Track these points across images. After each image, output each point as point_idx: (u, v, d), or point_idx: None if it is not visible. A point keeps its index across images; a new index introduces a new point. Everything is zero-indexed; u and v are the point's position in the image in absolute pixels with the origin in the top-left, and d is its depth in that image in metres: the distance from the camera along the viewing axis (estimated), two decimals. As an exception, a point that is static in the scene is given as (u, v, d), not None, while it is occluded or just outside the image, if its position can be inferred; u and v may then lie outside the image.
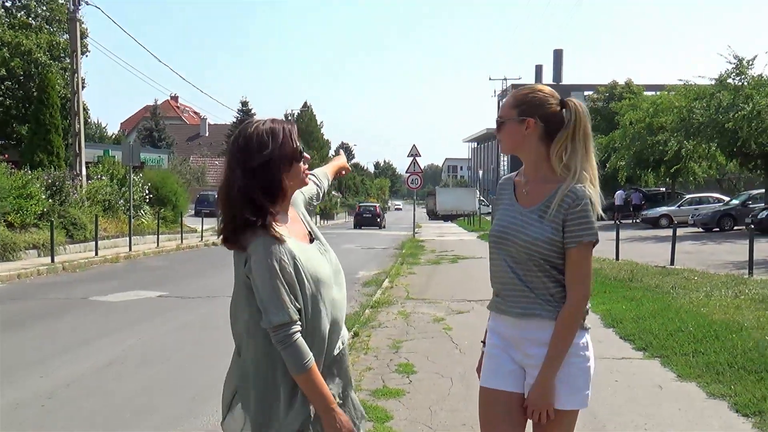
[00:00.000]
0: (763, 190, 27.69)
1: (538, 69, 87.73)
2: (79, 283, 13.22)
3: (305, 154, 2.26)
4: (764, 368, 5.51)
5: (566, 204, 2.40)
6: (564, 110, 2.48)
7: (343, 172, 2.97)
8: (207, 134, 76.70)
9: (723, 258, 15.16)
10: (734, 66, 25.49)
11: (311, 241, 2.32)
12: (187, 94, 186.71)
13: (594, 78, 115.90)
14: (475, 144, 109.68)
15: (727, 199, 31.32)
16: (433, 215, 58.28)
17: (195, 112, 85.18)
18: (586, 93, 61.51)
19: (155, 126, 64.71)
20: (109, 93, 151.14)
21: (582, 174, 2.43)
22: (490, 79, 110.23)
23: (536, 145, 2.49)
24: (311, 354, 2.12)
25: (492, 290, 2.60)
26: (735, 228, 26.03)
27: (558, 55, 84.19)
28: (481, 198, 59.28)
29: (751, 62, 25.44)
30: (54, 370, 6.51)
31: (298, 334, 2.11)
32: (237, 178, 2.16)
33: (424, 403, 5.05)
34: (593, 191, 2.43)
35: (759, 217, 23.66)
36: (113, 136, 57.35)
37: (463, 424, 4.60)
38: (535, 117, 2.47)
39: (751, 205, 26.87)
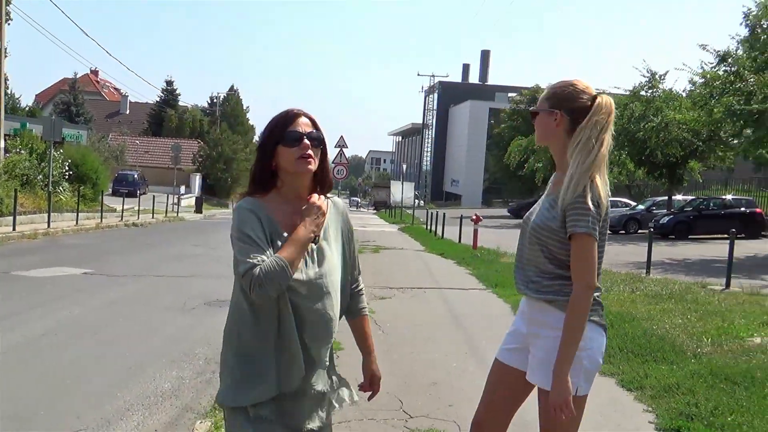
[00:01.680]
0: (666, 198, 29.51)
1: (466, 68, 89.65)
2: (-2, 258, 13.04)
3: (305, 141, 2.24)
4: (649, 352, 6.26)
5: (568, 195, 2.47)
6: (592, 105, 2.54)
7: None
8: (128, 112, 74.51)
9: (626, 258, 16.25)
10: (647, 79, 27.08)
11: (315, 240, 2.27)
12: (109, 69, 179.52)
13: (518, 80, 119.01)
14: (400, 138, 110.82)
15: (634, 204, 33.15)
16: (383, 206, 58.89)
17: (116, 89, 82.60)
18: (510, 94, 63.41)
19: (73, 100, 62.49)
20: (24, 63, 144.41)
21: (589, 166, 2.46)
22: (418, 74, 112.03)
23: (563, 137, 2.56)
24: (280, 260, 2.11)
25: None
26: (639, 231, 27.64)
27: (485, 55, 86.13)
28: (416, 193, 60.60)
29: (662, 77, 27.13)
30: (-13, 339, 6.64)
31: (261, 265, 2.09)
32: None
33: (351, 375, 5.52)
34: (599, 184, 2.46)
35: (660, 222, 25.33)
36: (27, 108, 55.12)
37: (387, 392, 5.13)
38: (562, 110, 2.54)
39: (655, 211, 28.63)
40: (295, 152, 2.24)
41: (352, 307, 2.52)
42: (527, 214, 2.70)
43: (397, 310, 8.72)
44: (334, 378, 2.43)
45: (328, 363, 2.39)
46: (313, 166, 2.27)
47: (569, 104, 2.52)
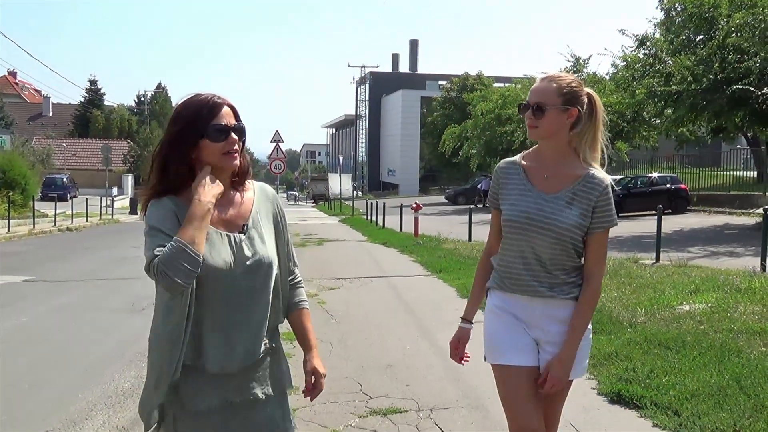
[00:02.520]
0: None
1: (395, 57, 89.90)
2: (-70, 270, 12.64)
3: (232, 135, 2.10)
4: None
5: (597, 192, 2.51)
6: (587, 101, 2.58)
7: None
8: (51, 114, 72.17)
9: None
10: (572, 64, 27.97)
11: (243, 230, 2.16)
12: (28, 69, 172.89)
13: (448, 68, 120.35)
14: (334, 130, 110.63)
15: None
16: (322, 199, 58.64)
17: (36, 90, 79.86)
18: (440, 83, 64.22)
19: (-7, 104, 60.17)
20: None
21: (603, 163, 2.60)
22: (349, 66, 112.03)
23: (567, 133, 2.56)
24: (176, 240, 1.94)
25: (499, 270, 2.66)
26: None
27: (414, 44, 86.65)
28: (354, 184, 60.81)
29: (586, 61, 28.06)
30: (-65, 352, 6.55)
31: (161, 254, 1.94)
32: (157, 148, 2.15)
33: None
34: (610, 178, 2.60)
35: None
36: (-60, 113, 52.90)
37: (346, 377, 5.37)
38: (578, 107, 2.54)
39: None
40: (221, 147, 2.09)
41: (288, 301, 2.34)
42: (524, 216, 2.55)
43: (346, 299, 8.94)
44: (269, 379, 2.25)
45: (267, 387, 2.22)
46: (239, 161, 2.14)
47: (580, 101, 2.54)
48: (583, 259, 2.59)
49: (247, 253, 2.13)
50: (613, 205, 2.54)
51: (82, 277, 11.68)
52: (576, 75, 27.28)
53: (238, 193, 2.22)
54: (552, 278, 2.54)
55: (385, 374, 5.51)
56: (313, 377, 2.29)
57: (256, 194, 2.27)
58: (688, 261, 11.56)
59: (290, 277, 2.35)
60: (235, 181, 2.21)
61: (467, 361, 2.77)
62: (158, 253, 1.93)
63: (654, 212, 13.35)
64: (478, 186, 39.13)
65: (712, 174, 30.69)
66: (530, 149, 2.70)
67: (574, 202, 2.52)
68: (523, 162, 2.64)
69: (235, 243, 2.12)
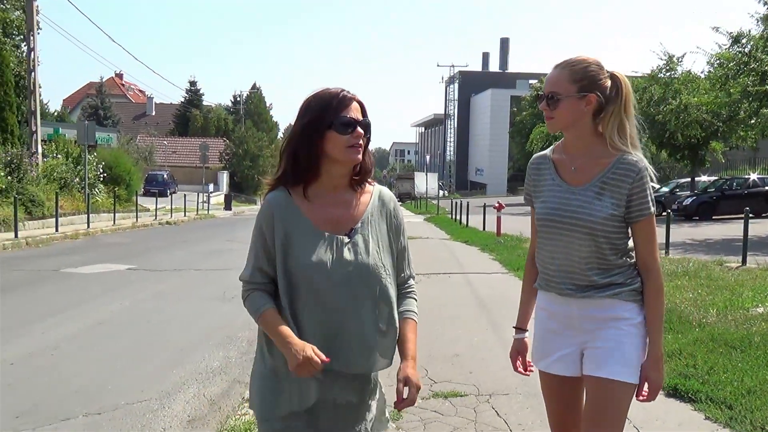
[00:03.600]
0: (689, 179, 29.63)
1: (485, 56, 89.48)
2: (46, 257, 13.83)
3: (358, 129, 2.11)
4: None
5: (630, 179, 2.34)
6: (611, 83, 2.41)
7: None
8: (153, 113, 76.01)
9: (647, 240, 16.62)
10: (665, 62, 27.22)
11: (350, 233, 2.14)
12: (133, 71, 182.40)
13: (539, 67, 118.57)
14: (423, 129, 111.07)
15: (657, 186, 33.29)
16: (408, 198, 59.15)
17: (140, 91, 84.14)
18: (530, 81, 63.49)
19: (101, 104, 63.96)
20: (50, 69, 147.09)
21: (636, 146, 2.41)
22: (438, 65, 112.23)
23: (589, 120, 2.40)
24: (266, 302, 2.11)
25: (542, 271, 2.54)
26: (663, 213, 27.75)
27: (504, 43, 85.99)
28: (441, 183, 61.10)
29: (680, 59, 27.22)
30: (51, 328, 7.33)
31: (252, 291, 2.14)
32: (286, 139, 2.20)
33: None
34: (647, 161, 2.40)
35: (684, 203, 25.58)
36: (56, 114, 56.55)
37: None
38: (596, 92, 2.37)
39: (678, 193, 28.80)
40: (347, 140, 2.09)
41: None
42: (554, 213, 2.43)
43: (423, 293, 9.12)
44: (372, 389, 2.25)
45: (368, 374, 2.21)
46: (361, 156, 2.14)
47: (598, 86, 2.37)
48: (621, 256, 2.40)
49: (348, 257, 2.09)
50: (651, 192, 2.36)
51: (179, 267, 12.54)
52: (669, 73, 26.72)
53: (355, 194, 2.20)
54: (583, 279, 2.39)
55: (451, 363, 5.83)
56: (405, 387, 2.13)
57: (373, 198, 2.23)
58: (776, 265, 11.26)
59: (401, 286, 2.27)
60: (355, 180, 2.20)
61: (533, 371, 2.67)
62: (250, 289, 2.14)
63: (750, 215, 13.02)
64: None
65: (817, 176, 29.20)
66: (559, 141, 2.56)
67: (605, 192, 2.35)
68: (553, 155, 2.52)
69: (337, 246, 2.10)
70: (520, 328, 2.69)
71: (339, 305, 2.06)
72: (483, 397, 4.88)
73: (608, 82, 2.39)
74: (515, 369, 2.68)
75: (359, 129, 2.10)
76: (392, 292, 2.17)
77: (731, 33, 18.56)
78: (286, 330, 2.04)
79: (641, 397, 2.41)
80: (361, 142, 2.11)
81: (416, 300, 2.31)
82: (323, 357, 2.00)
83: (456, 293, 9.52)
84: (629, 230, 2.41)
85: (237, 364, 6.15)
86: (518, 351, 2.67)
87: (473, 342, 6.57)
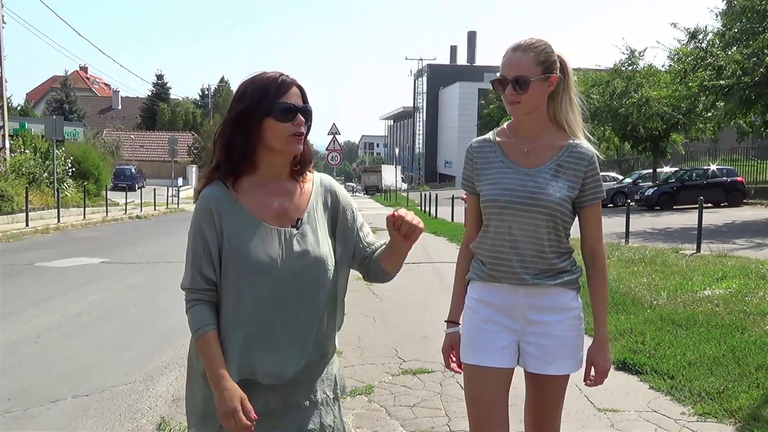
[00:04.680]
0: (651, 170, 30.45)
1: (453, 50, 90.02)
2: (17, 252, 13.91)
3: (299, 116, 1.98)
4: (611, 305, 7.17)
5: (585, 162, 2.34)
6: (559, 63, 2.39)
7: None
8: (120, 107, 75.11)
9: (610, 230, 17.10)
10: (627, 56, 27.93)
11: (297, 224, 2.03)
12: (99, 64, 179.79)
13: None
14: (392, 122, 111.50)
15: (621, 178, 34.12)
16: (374, 190, 59.49)
17: (106, 84, 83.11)
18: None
19: (66, 98, 63.12)
20: (13, 63, 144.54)
21: (580, 126, 2.41)
22: (406, 58, 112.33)
23: (545, 102, 2.37)
24: (208, 322, 1.95)
25: (491, 259, 2.41)
26: (627, 203, 28.59)
27: (472, 36, 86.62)
28: (402, 176, 61.64)
29: (642, 53, 27.95)
30: (32, 319, 7.54)
31: (196, 303, 1.98)
32: (219, 127, 2.04)
33: (354, 332, 6.48)
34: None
35: (645, 194, 26.33)
36: (19, 108, 55.73)
37: (384, 344, 6.08)
38: (557, 73, 2.35)
39: (641, 183, 29.59)
40: (287, 128, 1.97)
41: (375, 257, 2.18)
42: (507, 194, 2.35)
43: (393, 282, 9.38)
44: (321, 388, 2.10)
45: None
46: (302, 145, 2.01)
47: (555, 66, 2.34)
48: (568, 240, 2.40)
49: (297, 249, 1.99)
50: (599, 177, 2.39)
51: (151, 260, 12.73)
52: (632, 68, 27.42)
53: (297, 185, 2.09)
54: (543, 263, 2.34)
55: (420, 344, 6.20)
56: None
57: (314, 186, 2.12)
58: (730, 252, 11.84)
59: (370, 248, 2.19)
60: (296, 170, 2.09)
61: None
62: (194, 302, 1.99)
63: (709, 204, 13.59)
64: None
65: (773, 166, 30.24)
66: (503, 125, 2.52)
67: (560, 174, 2.33)
68: (499, 139, 2.46)
69: (285, 239, 2.00)
70: (454, 322, 2.57)
71: (284, 299, 1.97)
72: (449, 373, 5.23)
73: (558, 63, 2.37)
74: (448, 366, 2.57)
75: (300, 116, 1.99)
76: (339, 284, 2.11)
77: (688, 29, 19.24)
78: (221, 368, 1.91)
79: (588, 381, 2.43)
80: (302, 130, 1.99)
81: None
82: (251, 414, 1.89)
83: (424, 281, 9.90)
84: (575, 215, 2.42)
85: (216, 349, 6.43)
86: (451, 346, 2.55)
87: (441, 325, 6.89)
